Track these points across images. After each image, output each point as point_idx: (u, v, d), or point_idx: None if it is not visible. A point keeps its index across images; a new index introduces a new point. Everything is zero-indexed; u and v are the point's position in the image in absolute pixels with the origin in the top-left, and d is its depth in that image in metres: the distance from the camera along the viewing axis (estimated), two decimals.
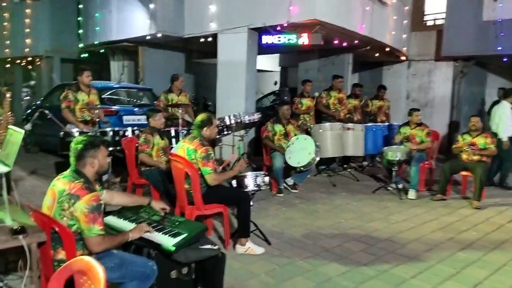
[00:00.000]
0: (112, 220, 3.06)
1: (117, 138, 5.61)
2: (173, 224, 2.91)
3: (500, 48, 9.62)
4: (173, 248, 2.64)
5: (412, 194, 6.29)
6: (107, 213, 3.18)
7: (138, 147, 5.10)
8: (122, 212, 3.17)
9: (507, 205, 6.08)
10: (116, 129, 5.75)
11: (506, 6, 9.46)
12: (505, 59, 10.31)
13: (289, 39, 7.78)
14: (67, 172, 2.60)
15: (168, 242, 2.69)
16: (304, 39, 7.59)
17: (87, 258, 1.71)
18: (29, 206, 2.63)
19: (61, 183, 2.53)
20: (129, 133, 5.76)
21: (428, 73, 11.52)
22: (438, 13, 12.58)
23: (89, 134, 5.13)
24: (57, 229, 2.41)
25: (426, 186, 6.83)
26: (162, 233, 2.79)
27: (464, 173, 6.30)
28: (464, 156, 6.09)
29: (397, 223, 5.15)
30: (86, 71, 5.99)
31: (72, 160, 2.63)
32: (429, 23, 13.65)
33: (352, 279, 3.59)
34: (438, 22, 12.54)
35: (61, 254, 2.49)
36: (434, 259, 4.06)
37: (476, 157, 6.01)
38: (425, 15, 13.91)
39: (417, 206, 5.89)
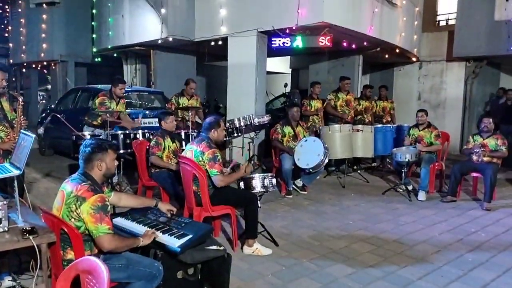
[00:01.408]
0: (120, 221, 3.13)
1: (127, 141, 5.71)
2: (179, 226, 2.98)
3: None
4: (179, 249, 2.71)
5: (422, 195, 6.27)
6: (115, 215, 3.27)
7: (149, 149, 5.20)
8: (130, 213, 3.25)
9: None
10: (127, 131, 5.85)
11: None
12: None
13: (283, 42, 7.87)
14: (76, 175, 2.69)
15: (174, 243, 2.76)
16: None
17: (93, 259, 1.78)
18: (40, 207, 2.73)
19: (69, 185, 2.61)
20: (140, 135, 5.86)
21: (439, 74, 11.43)
22: (450, 13, 12.48)
23: (99, 137, 5.26)
24: (66, 230, 2.49)
25: (436, 187, 6.80)
26: (169, 234, 2.86)
27: (474, 174, 6.25)
28: (474, 157, 6.04)
29: (406, 224, 5.14)
30: (121, 84, 6.23)
31: (80, 162, 2.72)
32: (441, 23, 13.53)
33: (358, 280, 3.61)
34: (450, 22, 12.43)
35: (70, 254, 2.57)
36: (442, 260, 4.06)
37: (486, 159, 5.96)
38: (437, 15, 13.80)
39: (427, 208, 5.87)
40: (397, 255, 4.19)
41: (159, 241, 2.80)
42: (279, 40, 7.82)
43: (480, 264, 3.98)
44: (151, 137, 5.38)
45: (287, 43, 7.83)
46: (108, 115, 5.70)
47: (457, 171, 6.11)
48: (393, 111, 9.06)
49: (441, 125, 8.64)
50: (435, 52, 11.49)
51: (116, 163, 2.82)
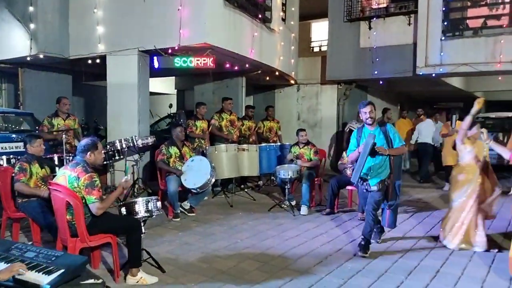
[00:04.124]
0: None
1: None
2: (49, 260, 2.65)
3: (376, 72, 10.65)
4: (48, 287, 2.40)
5: (304, 210, 6.57)
6: None
7: (13, 177, 4.64)
8: None
9: None
10: None
11: (380, 34, 10.55)
12: (381, 82, 11.45)
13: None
14: None
15: (42, 280, 2.45)
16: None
17: None
18: None
19: None
20: (3, 161, 5.22)
21: (315, 96, 12.29)
22: (323, 40, 13.60)
23: None
24: None
25: (316, 201, 7.19)
26: (36, 271, 2.53)
27: (349, 187, 6.75)
28: (348, 172, 6.53)
29: (290, 239, 5.32)
30: None
31: None
32: (315, 49, 14.71)
33: None
34: (323, 48, 13.54)
35: None
36: (324, 271, 4.25)
37: None
38: (311, 42, 14.98)
39: (309, 221, 6.16)
40: (283, 269, 4.29)
41: (24, 279, 2.46)
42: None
43: (358, 272, 4.25)
44: (15, 162, 4.81)
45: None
46: None
47: (334, 185, 6.54)
48: (279, 130, 9.46)
49: (318, 143, 9.22)
50: (310, 76, 12.35)
51: None
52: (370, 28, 10.72)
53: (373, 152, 4.53)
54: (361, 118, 4.84)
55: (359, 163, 4.56)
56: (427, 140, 9.91)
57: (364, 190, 4.80)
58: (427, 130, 9.97)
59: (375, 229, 4.96)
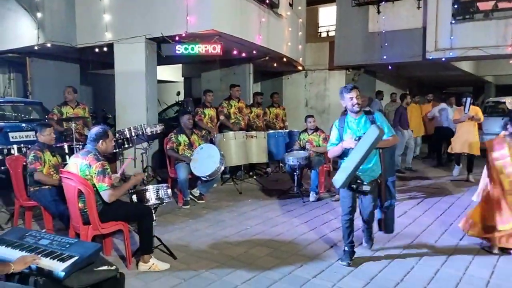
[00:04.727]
0: None
1: (0, 157, 5.09)
2: (63, 247, 2.68)
3: (385, 57, 10.54)
4: (63, 273, 2.44)
5: (313, 196, 6.58)
6: None
7: (26, 166, 4.68)
8: (2, 238, 2.85)
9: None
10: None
11: (388, 18, 10.41)
12: (390, 67, 11.34)
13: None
14: None
15: (57, 267, 2.48)
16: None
17: None
18: None
19: None
20: (14, 151, 5.27)
21: (323, 82, 12.22)
22: (330, 26, 13.45)
23: None
24: None
25: (326, 187, 7.19)
26: (50, 258, 2.56)
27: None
28: None
29: (300, 225, 5.33)
30: None
31: None
32: (323, 35, 14.55)
33: (257, 285, 3.62)
34: (331, 34, 13.39)
35: None
36: (334, 257, 4.26)
37: None
38: (319, 27, 14.82)
39: (318, 208, 6.16)
40: (293, 255, 4.31)
41: (40, 266, 2.50)
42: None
43: (368, 258, 4.25)
44: (28, 152, 4.86)
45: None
46: None
47: None
48: (285, 117, 9.44)
49: (326, 129, 9.16)
50: (318, 61, 12.26)
51: None
52: (378, 12, 10.58)
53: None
54: (344, 106, 4.02)
55: (355, 163, 3.69)
56: (445, 124, 9.84)
57: (352, 190, 3.98)
58: (442, 114, 9.92)
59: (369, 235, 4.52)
